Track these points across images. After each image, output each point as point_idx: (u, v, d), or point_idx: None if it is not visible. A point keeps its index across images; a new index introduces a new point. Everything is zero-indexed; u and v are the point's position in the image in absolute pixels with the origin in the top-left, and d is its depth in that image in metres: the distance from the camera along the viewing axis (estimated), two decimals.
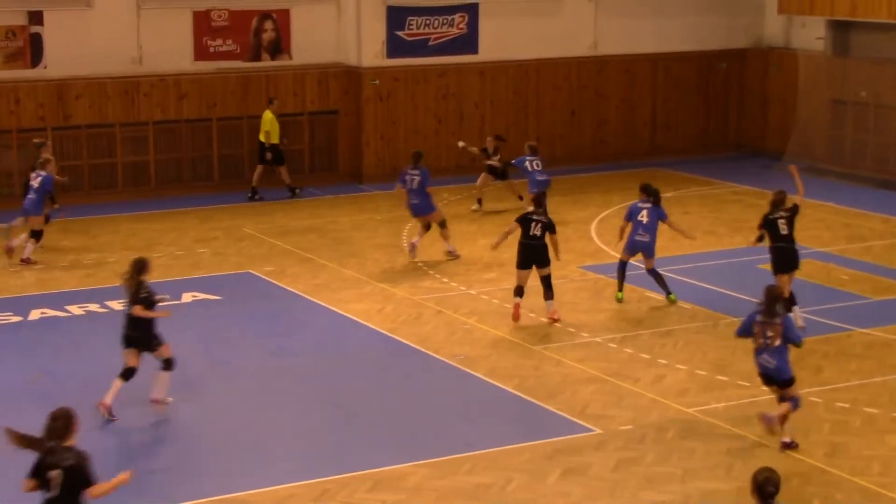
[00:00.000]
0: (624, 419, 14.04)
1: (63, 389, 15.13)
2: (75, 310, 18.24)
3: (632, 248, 18.41)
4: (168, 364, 14.28)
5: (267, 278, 19.96)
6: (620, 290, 18.46)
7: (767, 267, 20.46)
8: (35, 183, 20.72)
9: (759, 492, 9.17)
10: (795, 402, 13.19)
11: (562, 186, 25.48)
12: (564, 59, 29.23)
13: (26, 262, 20.59)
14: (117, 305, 18.37)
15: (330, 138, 27.59)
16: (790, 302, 16.50)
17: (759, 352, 13.25)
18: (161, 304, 14.33)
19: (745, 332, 13.45)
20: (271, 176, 25.88)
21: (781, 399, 13.24)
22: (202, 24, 26.45)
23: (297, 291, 19.23)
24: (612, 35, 29.65)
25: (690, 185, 27.24)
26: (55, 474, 9.51)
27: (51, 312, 18.14)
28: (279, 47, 27.26)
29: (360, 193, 26.67)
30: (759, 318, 13.20)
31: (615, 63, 29.76)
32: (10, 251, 20.81)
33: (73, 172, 25.56)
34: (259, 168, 25.90)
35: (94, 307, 18.36)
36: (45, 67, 25.31)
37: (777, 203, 17.16)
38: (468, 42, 28.25)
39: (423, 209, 20.77)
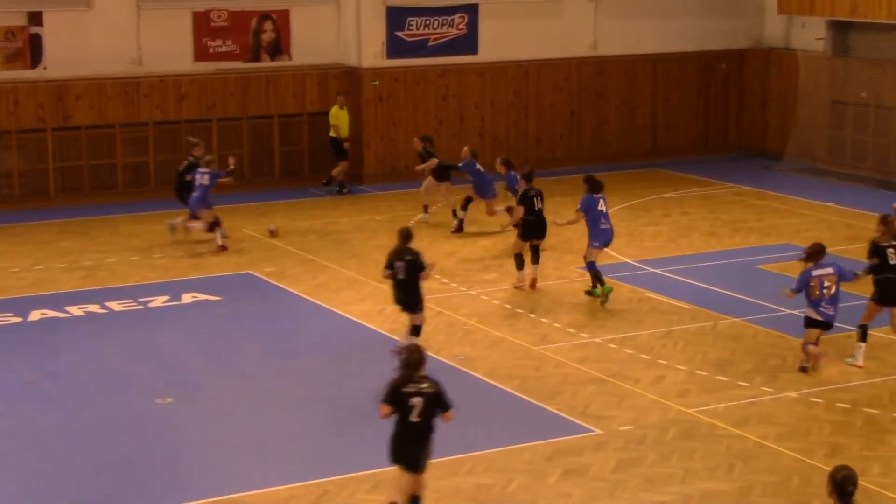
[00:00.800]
0: (624, 420, 14.04)
1: (63, 390, 15.14)
2: (75, 310, 18.22)
3: (605, 241, 18.51)
4: (416, 330, 15.61)
5: (267, 279, 19.95)
6: (602, 284, 18.34)
7: (767, 267, 20.53)
8: (204, 181, 21.41)
9: (839, 491, 8.70)
10: None
11: (562, 187, 25.47)
12: (564, 59, 29.23)
13: (223, 248, 21.46)
14: (117, 306, 18.39)
15: (329, 139, 27.53)
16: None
17: (816, 303, 15.08)
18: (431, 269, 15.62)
19: (801, 287, 15.08)
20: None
21: (817, 342, 15.25)
22: (202, 24, 26.45)
23: (297, 292, 19.22)
24: (612, 36, 29.65)
25: (691, 186, 27.25)
26: (418, 401, 10.73)
27: (50, 313, 18.13)
28: (279, 48, 27.26)
29: (361, 194, 26.65)
30: (813, 272, 14.99)
31: (615, 64, 29.76)
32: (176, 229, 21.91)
33: (73, 173, 25.59)
34: (340, 163, 26.34)
35: (93, 308, 18.35)
36: (45, 68, 25.31)
37: (888, 228, 15.80)
38: (468, 43, 28.25)
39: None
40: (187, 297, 18.89)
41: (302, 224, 22.60)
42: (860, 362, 15.67)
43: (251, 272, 20.38)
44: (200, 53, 26.52)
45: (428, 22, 27.80)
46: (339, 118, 26.34)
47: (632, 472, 12.67)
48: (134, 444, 13.54)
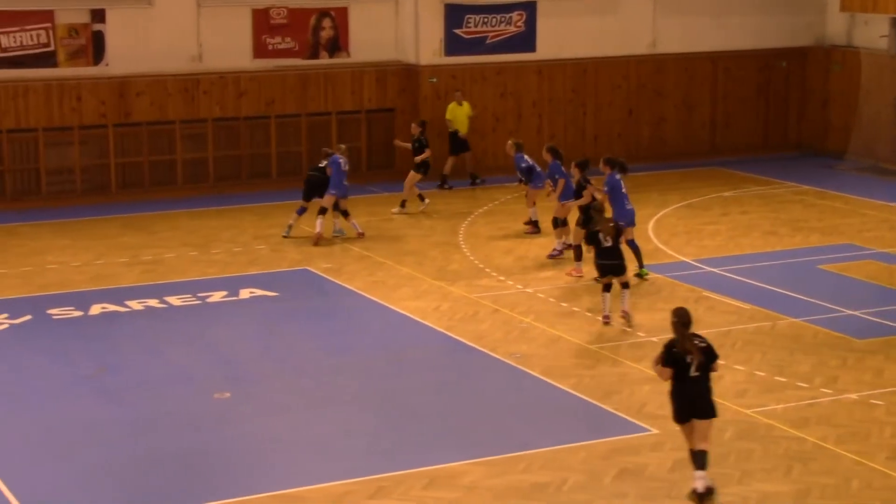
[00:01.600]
0: None
1: (122, 384, 15.30)
2: (135, 305, 18.41)
3: (630, 220, 19.04)
4: (627, 285, 17.33)
5: (324, 275, 20.04)
6: (642, 265, 19.19)
7: (828, 267, 20.33)
8: (346, 168, 22.22)
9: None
10: None
11: None
12: (623, 57, 29.09)
13: (362, 235, 22.23)
14: (176, 301, 18.55)
15: (387, 136, 27.62)
16: None
17: None
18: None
19: None
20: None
21: None
22: (261, 21, 26.61)
23: (353, 289, 19.29)
24: (671, 33, 29.47)
25: (750, 185, 27.01)
26: (695, 356, 11.60)
27: (111, 307, 18.32)
28: (337, 45, 27.36)
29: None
30: None
31: (674, 62, 29.56)
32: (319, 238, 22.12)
33: (134, 169, 25.86)
34: (466, 155, 26.81)
35: (152, 303, 18.52)
36: (107, 65, 25.59)
37: None
38: (526, 40, 28.20)
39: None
40: (245, 293, 19.02)
41: (358, 221, 22.66)
42: None
43: (308, 268, 20.48)
44: (260, 50, 26.68)
45: (486, 19, 27.79)
46: (455, 114, 26.69)
47: (688, 472, 12.55)
48: (191, 438, 13.65)
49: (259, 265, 20.68)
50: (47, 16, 25.03)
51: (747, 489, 12.22)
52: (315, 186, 22.36)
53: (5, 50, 24.88)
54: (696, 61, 29.74)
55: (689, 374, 11.67)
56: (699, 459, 11.77)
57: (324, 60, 27.23)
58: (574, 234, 19.94)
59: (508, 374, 15.58)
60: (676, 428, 13.63)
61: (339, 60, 27.36)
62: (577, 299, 18.57)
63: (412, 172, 24.33)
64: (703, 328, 17.09)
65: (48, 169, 25.35)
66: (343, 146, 23.02)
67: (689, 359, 11.65)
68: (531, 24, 28.18)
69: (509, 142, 22.94)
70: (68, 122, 25.29)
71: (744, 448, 13.14)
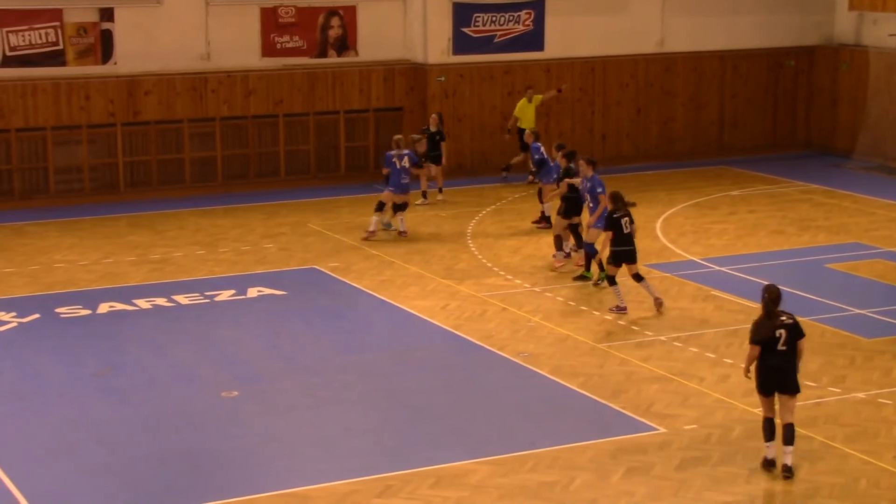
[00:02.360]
0: (689, 418, 13.93)
1: (130, 382, 15.32)
2: (142, 303, 18.43)
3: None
4: (638, 277, 17.54)
5: (332, 274, 20.05)
6: (589, 269, 19.36)
7: (835, 266, 20.30)
8: (407, 164, 22.22)
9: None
10: None
11: (627, 184, 25.28)
12: (631, 56, 29.06)
13: (404, 234, 22.26)
14: (183, 300, 18.57)
15: (395, 136, 27.57)
16: None
17: None
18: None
19: None
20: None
21: None
22: (270, 20, 26.63)
23: (361, 287, 19.30)
24: (680, 32, 29.44)
25: (758, 184, 26.98)
26: (782, 332, 12.26)
27: (118, 306, 18.35)
28: (345, 44, 27.37)
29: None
30: None
31: (682, 60, 29.53)
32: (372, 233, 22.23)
33: (142, 168, 25.89)
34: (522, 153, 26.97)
35: (160, 301, 18.54)
36: (116, 63, 25.62)
37: None
38: (534, 39, 28.18)
39: None
40: (253, 292, 19.04)
41: (366, 220, 22.65)
42: None
43: (316, 267, 20.49)
44: (268, 49, 26.70)
45: (494, 18, 27.78)
46: (524, 111, 26.81)
47: (696, 471, 12.57)
48: (198, 436, 13.66)
49: (267, 264, 20.70)
50: (56, 14, 25.07)
51: (755, 488, 12.21)
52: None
53: (14, 49, 24.93)
54: (705, 60, 29.70)
55: (776, 348, 12.24)
56: (787, 434, 12.36)
57: (332, 59, 27.24)
58: (555, 224, 20.38)
59: (516, 373, 15.58)
60: (684, 427, 13.67)
61: (347, 59, 27.37)
62: (586, 298, 18.56)
63: (429, 164, 24.79)
64: (711, 327, 17.11)
65: (56, 168, 25.38)
66: (399, 136, 23.05)
67: (777, 333, 12.23)
68: (539, 22, 28.16)
69: (527, 130, 24.14)
70: (76, 121, 25.33)
71: (751, 447, 13.13)
